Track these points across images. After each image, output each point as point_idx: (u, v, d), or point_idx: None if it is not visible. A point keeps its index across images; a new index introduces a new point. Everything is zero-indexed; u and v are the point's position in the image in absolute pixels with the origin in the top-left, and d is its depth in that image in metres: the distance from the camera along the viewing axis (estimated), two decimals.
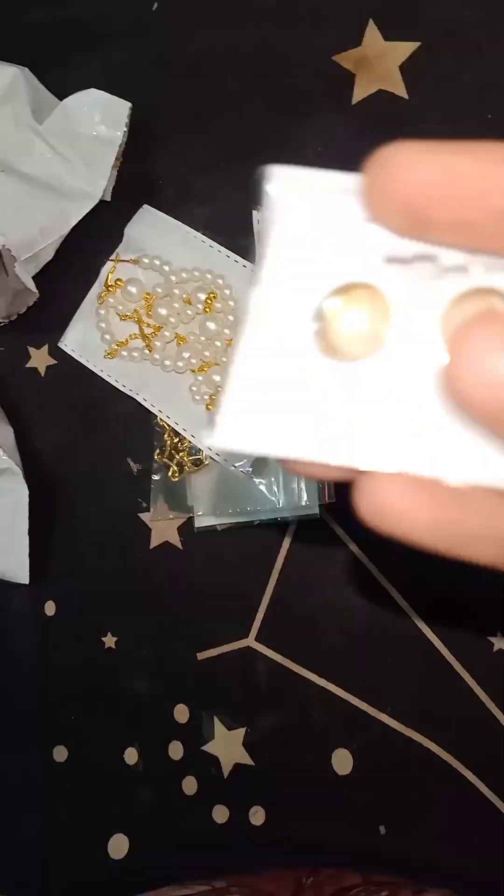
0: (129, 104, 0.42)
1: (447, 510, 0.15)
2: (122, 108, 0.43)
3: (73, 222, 0.42)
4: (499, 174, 0.14)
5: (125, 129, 0.43)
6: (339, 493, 0.41)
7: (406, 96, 0.42)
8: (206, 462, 0.42)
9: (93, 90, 0.42)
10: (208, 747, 0.41)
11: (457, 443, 0.15)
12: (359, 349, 0.16)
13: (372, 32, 0.42)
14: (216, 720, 0.42)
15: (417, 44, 0.42)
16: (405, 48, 0.42)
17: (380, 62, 0.42)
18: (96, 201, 0.43)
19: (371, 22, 0.42)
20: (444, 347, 0.16)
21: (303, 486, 0.40)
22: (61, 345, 0.44)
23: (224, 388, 0.17)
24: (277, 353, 0.17)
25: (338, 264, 0.16)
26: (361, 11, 0.42)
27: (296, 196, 0.16)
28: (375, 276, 0.16)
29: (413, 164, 0.15)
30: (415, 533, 0.15)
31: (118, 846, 0.42)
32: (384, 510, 0.15)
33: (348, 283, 0.16)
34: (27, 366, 0.45)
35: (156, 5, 0.44)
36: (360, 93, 0.42)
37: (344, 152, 0.42)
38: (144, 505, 0.43)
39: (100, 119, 0.43)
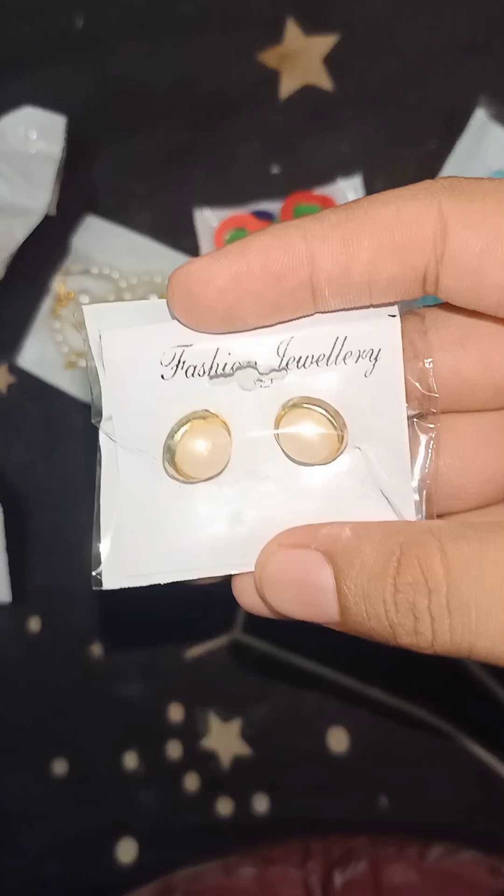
0: (64, 119, 0.43)
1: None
2: (58, 123, 0.43)
3: (20, 239, 0.43)
4: (276, 263, 0.17)
5: (63, 143, 0.43)
6: None
7: (331, 88, 0.43)
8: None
9: (27, 108, 0.43)
10: (206, 742, 0.42)
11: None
12: (207, 470, 0.18)
13: (292, 29, 0.44)
14: (211, 715, 0.42)
15: (337, 36, 0.43)
16: (326, 42, 0.43)
17: (302, 57, 0.44)
18: (41, 217, 0.43)
19: (290, 19, 0.43)
20: (278, 447, 0.19)
21: None
22: (19, 363, 0.44)
23: (97, 536, 0.19)
24: (136, 495, 0.18)
25: (174, 398, 0.18)
26: (279, 9, 0.43)
27: (121, 350, 0.18)
28: (208, 400, 0.18)
29: (206, 277, 0.17)
30: (271, 614, 0.19)
31: (127, 850, 0.42)
32: (246, 604, 0.20)
33: (188, 414, 0.18)
34: None
35: (81, 23, 0.45)
36: (286, 89, 0.44)
37: (277, 148, 0.44)
38: None
39: (37, 136, 0.43)
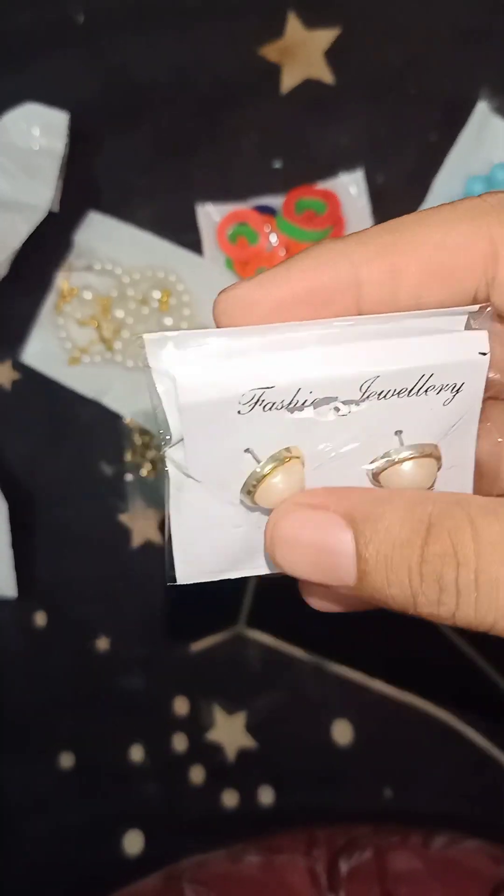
0: (66, 114, 0.43)
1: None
2: (60, 120, 0.43)
3: (24, 236, 0.43)
4: (321, 289, 0.17)
5: (65, 139, 0.43)
6: None
7: (332, 82, 0.43)
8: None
9: (29, 104, 0.43)
10: (211, 735, 0.42)
11: None
12: (280, 502, 0.19)
13: (293, 22, 0.43)
14: (216, 708, 0.42)
15: (338, 29, 0.43)
16: (327, 35, 0.43)
17: (303, 51, 0.43)
18: (45, 213, 0.43)
19: (291, 12, 0.43)
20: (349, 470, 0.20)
21: None
22: (23, 359, 0.44)
23: (172, 543, 0.20)
24: (200, 513, 0.20)
25: (250, 432, 0.18)
26: (280, 2, 0.43)
27: (196, 390, 0.17)
28: (284, 432, 0.18)
29: (250, 303, 0.17)
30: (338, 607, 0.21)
31: (133, 842, 0.42)
32: (315, 605, 0.21)
33: (271, 456, 0.18)
34: None
35: (82, 16, 0.45)
36: (287, 83, 0.44)
37: (278, 142, 0.44)
38: (122, 506, 0.44)
39: (39, 132, 0.43)
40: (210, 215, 0.42)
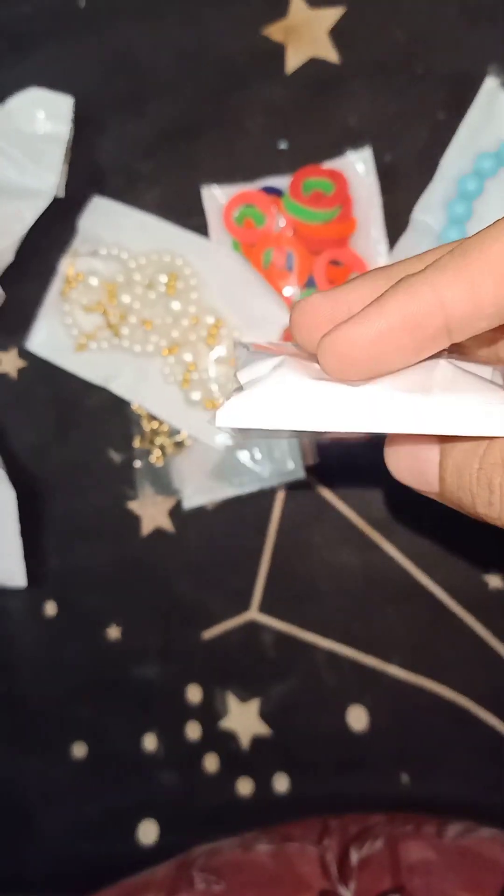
0: (71, 99, 0.42)
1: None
2: (65, 104, 0.43)
3: (30, 222, 0.42)
4: (414, 317, 0.20)
5: (70, 123, 0.43)
6: (322, 454, 0.41)
7: (338, 61, 0.43)
8: (188, 442, 0.42)
9: (33, 89, 0.43)
10: (225, 723, 0.42)
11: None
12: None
13: (297, 2, 0.43)
14: (229, 695, 0.42)
15: (343, 8, 0.43)
16: (332, 14, 0.43)
17: (308, 30, 0.43)
18: (51, 198, 0.43)
19: None
20: None
21: (286, 451, 0.41)
22: (29, 346, 0.44)
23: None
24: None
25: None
26: None
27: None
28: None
29: (353, 339, 0.20)
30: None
31: (148, 832, 0.42)
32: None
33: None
34: None
35: (84, 2, 0.45)
36: (292, 63, 0.43)
37: (284, 122, 0.43)
38: (131, 493, 0.43)
39: (44, 116, 0.43)
40: (216, 197, 0.42)
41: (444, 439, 0.21)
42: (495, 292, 0.19)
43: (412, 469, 0.22)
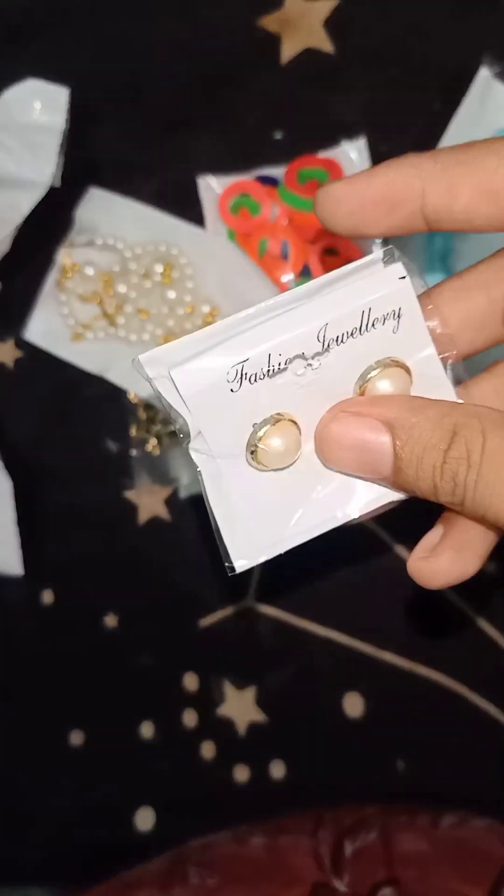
0: (66, 90, 0.43)
1: None
2: (60, 95, 0.43)
3: (26, 212, 0.42)
4: (394, 194, 0.21)
5: (66, 114, 0.43)
6: None
7: (333, 52, 0.43)
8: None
9: (30, 80, 0.43)
10: (221, 710, 0.42)
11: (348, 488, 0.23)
12: (285, 460, 0.22)
13: None
14: (226, 683, 0.42)
15: None
16: (326, 4, 0.43)
17: (303, 21, 0.43)
18: (46, 189, 0.43)
19: None
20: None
21: None
22: (26, 336, 0.44)
23: (220, 532, 0.22)
24: (238, 492, 0.22)
25: (247, 404, 0.21)
26: None
27: (191, 382, 0.21)
28: (274, 397, 0.22)
29: (339, 198, 0.22)
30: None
31: (145, 819, 0.42)
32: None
33: (263, 420, 0.22)
34: None
35: None
36: (287, 53, 0.43)
37: (279, 112, 0.43)
38: (128, 482, 0.44)
39: (40, 107, 0.43)
40: (212, 187, 0.42)
41: (391, 427, 0.21)
42: (468, 201, 0.21)
43: (360, 459, 0.22)
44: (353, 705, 0.41)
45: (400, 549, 0.41)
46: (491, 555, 0.41)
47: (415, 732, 0.41)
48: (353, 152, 0.41)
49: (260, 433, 0.22)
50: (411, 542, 0.41)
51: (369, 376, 0.22)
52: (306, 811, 0.38)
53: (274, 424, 0.22)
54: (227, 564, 0.23)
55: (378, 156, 0.42)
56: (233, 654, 0.42)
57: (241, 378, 0.21)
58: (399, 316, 0.22)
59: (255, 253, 0.41)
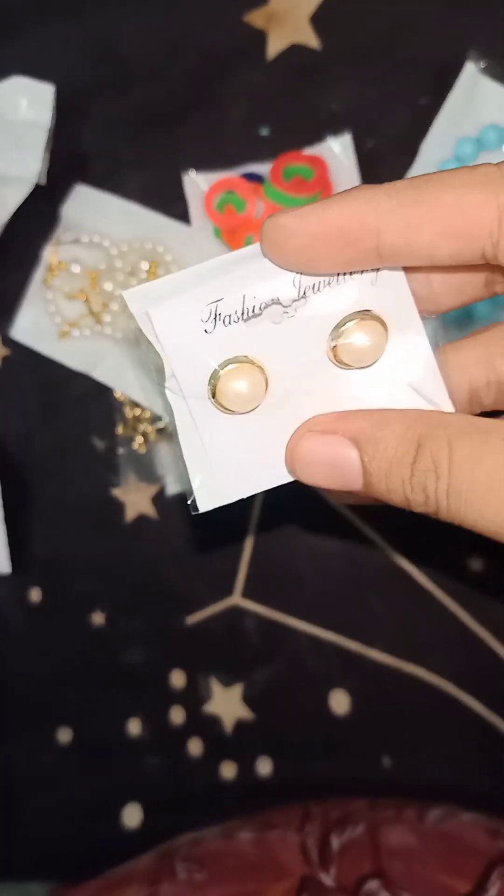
0: (52, 87, 0.43)
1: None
2: (46, 92, 0.43)
3: (13, 208, 0.42)
4: (348, 231, 0.20)
5: (52, 111, 0.43)
6: None
7: (319, 47, 0.43)
8: (170, 429, 0.43)
9: (15, 77, 0.43)
10: (208, 707, 0.42)
11: None
12: (249, 404, 0.22)
13: None
14: (213, 680, 0.42)
15: None
16: (312, 0, 0.43)
17: (289, 17, 0.43)
18: (32, 186, 0.43)
19: None
20: (320, 364, 0.22)
21: None
22: (12, 334, 0.44)
23: (186, 470, 0.22)
24: (206, 433, 0.22)
25: (219, 346, 0.21)
26: None
27: (167, 320, 0.21)
28: (247, 341, 0.21)
29: (288, 232, 0.20)
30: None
31: (132, 815, 0.42)
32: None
33: (226, 360, 0.22)
34: None
35: None
36: (273, 49, 0.43)
37: (265, 109, 0.43)
38: (115, 480, 0.44)
39: (26, 104, 0.43)
40: (197, 184, 0.42)
41: (357, 443, 0.21)
42: (429, 240, 0.20)
43: (331, 475, 0.22)
44: (340, 702, 0.41)
45: (388, 548, 0.41)
46: (476, 552, 0.41)
47: (401, 729, 0.41)
48: (338, 149, 0.41)
49: (221, 373, 0.22)
50: (398, 540, 0.41)
51: (343, 328, 0.22)
52: (293, 805, 0.38)
53: (237, 366, 0.22)
54: (188, 502, 0.23)
55: (365, 151, 0.42)
56: (220, 651, 0.42)
57: (215, 319, 0.21)
58: (377, 268, 0.21)
59: None
